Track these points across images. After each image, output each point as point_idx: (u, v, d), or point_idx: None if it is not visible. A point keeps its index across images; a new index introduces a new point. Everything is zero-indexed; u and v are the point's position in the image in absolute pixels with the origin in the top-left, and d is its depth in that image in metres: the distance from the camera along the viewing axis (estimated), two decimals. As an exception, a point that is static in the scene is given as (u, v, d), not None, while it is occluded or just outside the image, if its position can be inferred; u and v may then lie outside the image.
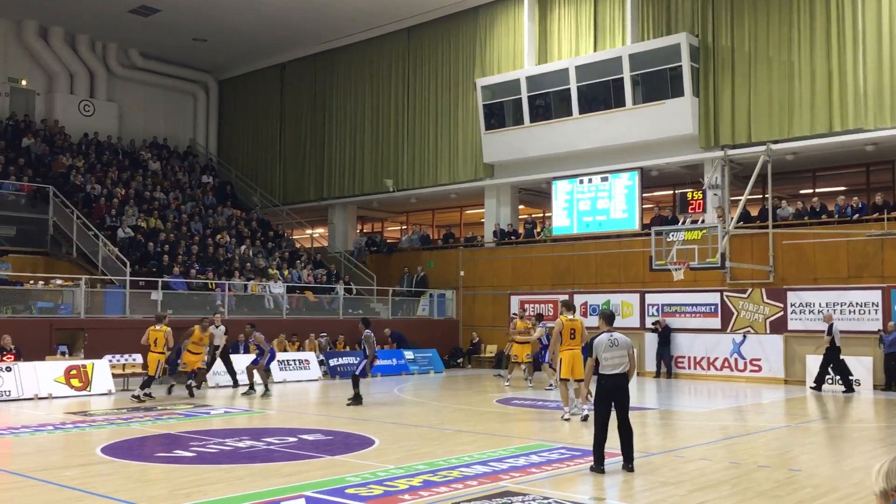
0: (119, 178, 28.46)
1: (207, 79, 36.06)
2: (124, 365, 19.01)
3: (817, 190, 25.15)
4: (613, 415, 9.21)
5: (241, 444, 10.93)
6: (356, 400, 15.73)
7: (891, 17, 20.26)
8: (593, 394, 9.61)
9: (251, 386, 18.03)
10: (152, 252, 23.94)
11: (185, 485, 8.33)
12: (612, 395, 9.14)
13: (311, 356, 22.13)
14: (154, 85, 34.35)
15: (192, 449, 10.55)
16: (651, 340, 23.09)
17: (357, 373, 16.06)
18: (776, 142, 21.77)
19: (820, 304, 20.68)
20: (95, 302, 20.78)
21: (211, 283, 23.28)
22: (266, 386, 18.01)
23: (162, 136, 34.10)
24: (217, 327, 18.75)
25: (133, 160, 30.83)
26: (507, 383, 19.82)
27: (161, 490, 8.12)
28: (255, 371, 18.18)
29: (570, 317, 13.57)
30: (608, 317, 9.70)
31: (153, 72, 34.06)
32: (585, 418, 13.08)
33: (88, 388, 17.44)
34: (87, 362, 17.83)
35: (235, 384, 19.00)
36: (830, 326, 19.03)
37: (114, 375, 18.21)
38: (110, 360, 18.54)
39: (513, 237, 27.27)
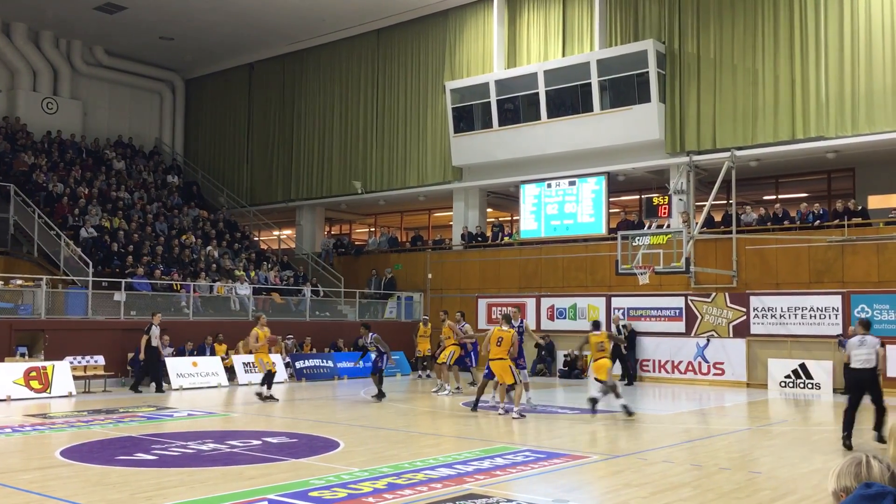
0: (82, 177, 28.04)
1: (174, 77, 35.68)
2: (86, 367, 18.73)
3: (780, 196, 25.56)
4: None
5: (203, 447, 10.83)
6: (380, 396, 17.22)
7: (852, 28, 20.66)
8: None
9: (381, 392, 17.42)
10: (116, 252, 23.62)
11: (146, 488, 8.23)
12: (860, 386, 11.33)
13: (277, 358, 21.95)
14: (119, 83, 33.91)
15: (154, 452, 10.42)
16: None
17: (381, 366, 17.59)
18: (740, 148, 22.08)
19: (782, 309, 21.00)
20: (57, 303, 20.45)
21: (176, 285, 23.03)
22: (380, 391, 17.48)
23: (127, 135, 33.66)
24: (156, 326, 18.56)
25: (97, 159, 30.40)
26: (441, 391, 19.15)
27: (121, 493, 8.01)
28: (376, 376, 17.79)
29: (505, 328, 14.78)
30: (865, 324, 11.75)
31: (118, 70, 33.62)
32: (520, 416, 14.23)
33: (48, 391, 17.15)
34: (48, 364, 17.53)
35: (157, 388, 18.62)
36: (618, 327, 21.67)
37: (75, 377, 17.93)
38: (71, 362, 18.25)
39: (480, 240, 27.35)
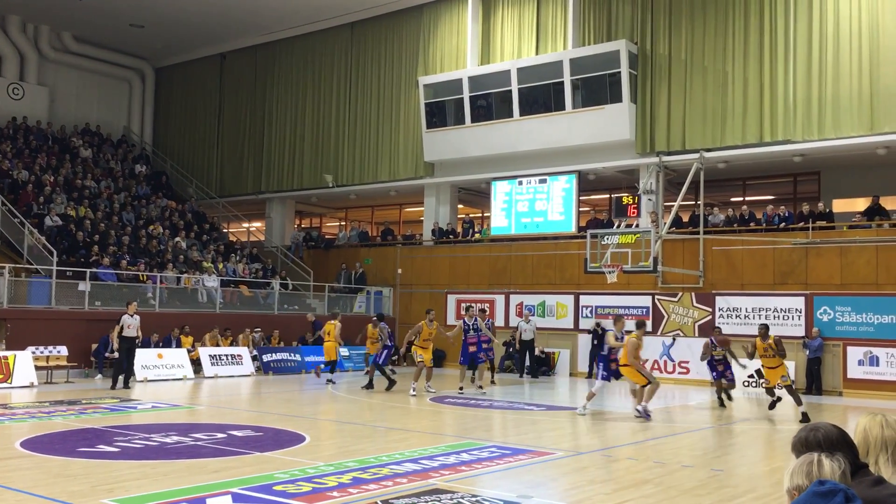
0: (48, 164, 27.60)
1: (144, 66, 35.22)
2: (48, 357, 18.47)
3: (747, 198, 25.89)
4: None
5: (167, 440, 10.73)
6: (390, 384, 18.01)
7: (821, 34, 20.95)
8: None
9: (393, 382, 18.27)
10: (81, 242, 23.29)
11: (107, 480, 8.13)
12: None
13: (243, 351, 21.83)
14: (88, 70, 33.40)
15: (117, 444, 10.31)
16: (584, 342, 23.42)
17: (380, 362, 18.30)
18: (709, 150, 22.32)
19: (747, 310, 21.27)
20: (19, 292, 20.12)
21: (142, 275, 22.76)
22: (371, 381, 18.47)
23: (94, 122, 33.18)
24: (132, 316, 17.84)
25: (63, 146, 29.94)
26: (413, 392, 19.20)
27: (82, 485, 7.91)
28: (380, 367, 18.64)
29: (636, 332, 15.36)
30: None
31: (87, 56, 33.11)
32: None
33: (9, 381, 16.89)
34: (9, 354, 17.27)
35: (125, 383, 17.62)
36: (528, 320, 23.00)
37: (37, 368, 17.68)
38: (33, 352, 17.99)
39: (451, 236, 27.36)
